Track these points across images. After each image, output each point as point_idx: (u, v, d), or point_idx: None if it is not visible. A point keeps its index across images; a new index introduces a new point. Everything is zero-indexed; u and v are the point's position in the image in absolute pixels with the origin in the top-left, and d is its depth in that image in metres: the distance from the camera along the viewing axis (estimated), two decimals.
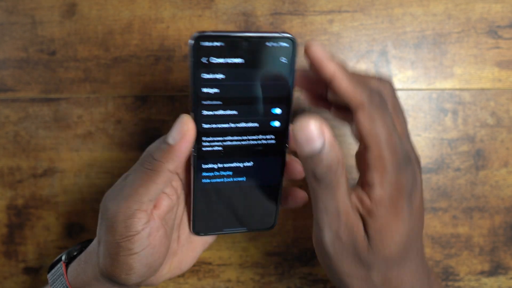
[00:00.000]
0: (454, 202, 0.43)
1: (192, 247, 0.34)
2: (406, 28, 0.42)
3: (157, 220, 0.29)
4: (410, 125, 0.43)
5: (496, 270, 0.43)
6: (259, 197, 0.32)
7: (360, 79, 0.27)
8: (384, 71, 0.43)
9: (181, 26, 0.43)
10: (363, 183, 0.27)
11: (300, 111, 0.42)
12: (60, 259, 0.34)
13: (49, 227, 0.44)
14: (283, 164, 0.31)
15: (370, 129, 0.26)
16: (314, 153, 0.24)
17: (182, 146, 0.28)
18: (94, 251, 0.31)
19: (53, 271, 0.34)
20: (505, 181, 0.43)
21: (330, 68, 0.26)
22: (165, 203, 0.30)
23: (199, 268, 0.43)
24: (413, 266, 0.28)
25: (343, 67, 0.27)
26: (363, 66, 0.43)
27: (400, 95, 0.43)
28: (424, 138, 0.43)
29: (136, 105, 0.43)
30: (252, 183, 0.31)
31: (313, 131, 0.24)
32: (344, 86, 0.26)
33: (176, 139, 0.27)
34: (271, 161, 0.30)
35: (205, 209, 0.32)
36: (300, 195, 0.33)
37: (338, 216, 0.26)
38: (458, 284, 0.43)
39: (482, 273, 0.43)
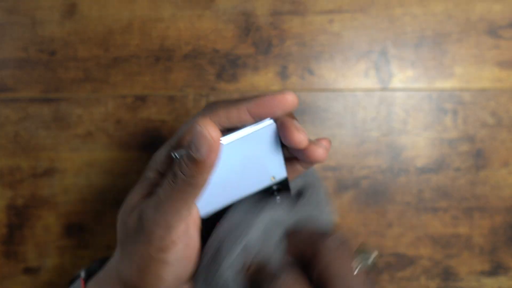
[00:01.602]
0: (454, 202, 0.43)
1: None
2: (406, 28, 0.42)
3: (193, 228, 0.28)
4: (410, 125, 0.43)
5: (496, 270, 0.43)
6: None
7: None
8: (384, 71, 0.43)
9: (181, 26, 0.43)
10: None
11: None
12: (78, 276, 0.33)
13: (49, 227, 0.44)
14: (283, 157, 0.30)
15: None
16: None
17: (212, 159, 0.25)
18: (114, 267, 0.30)
19: None
20: (505, 181, 0.43)
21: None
22: (196, 209, 0.28)
23: None
24: None
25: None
26: (363, 66, 0.43)
27: (400, 95, 0.43)
28: (424, 138, 0.43)
29: (136, 105, 0.43)
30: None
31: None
32: None
33: (204, 154, 0.25)
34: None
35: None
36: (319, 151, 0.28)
37: None
38: (459, 284, 0.43)
39: (482, 273, 0.43)
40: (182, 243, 0.27)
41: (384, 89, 0.43)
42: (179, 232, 0.27)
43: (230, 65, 0.43)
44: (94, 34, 0.43)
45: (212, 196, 0.29)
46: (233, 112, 0.27)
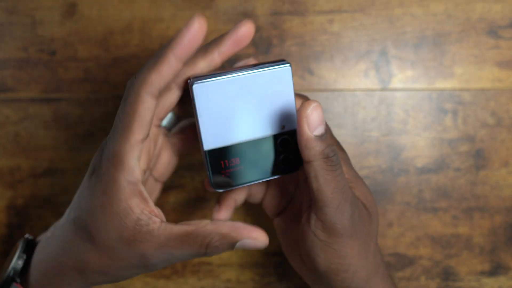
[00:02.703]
0: (454, 202, 0.43)
1: None
2: (406, 28, 0.42)
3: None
4: (410, 125, 0.43)
5: (496, 270, 0.43)
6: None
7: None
8: (384, 71, 0.43)
9: (181, 26, 0.43)
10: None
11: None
12: (11, 279, 0.31)
13: (49, 227, 0.44)
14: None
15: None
16: (323, 133, 0.26)
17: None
18: (61, 227, 0.30)
19: None
20: (505, 181, 0.43)
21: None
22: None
23: (199, 268, 0.43)
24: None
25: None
26: (363, 66, 0.43)
27: (400, 95, 0.43)
28: (424, 138, 0.43)
29: None
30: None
31: (321, 115, 0.26)
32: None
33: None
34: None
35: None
36: None
37: (345, 191, 0.27)
38: (458, 284, 0.43)
39: (482, 273, 0.43)
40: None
41: (384, 89, 0.43)
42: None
43: (230, 65, 0.43)
44: (94, 34, 0.43)
45: (218, 130, 0.28)
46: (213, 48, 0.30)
